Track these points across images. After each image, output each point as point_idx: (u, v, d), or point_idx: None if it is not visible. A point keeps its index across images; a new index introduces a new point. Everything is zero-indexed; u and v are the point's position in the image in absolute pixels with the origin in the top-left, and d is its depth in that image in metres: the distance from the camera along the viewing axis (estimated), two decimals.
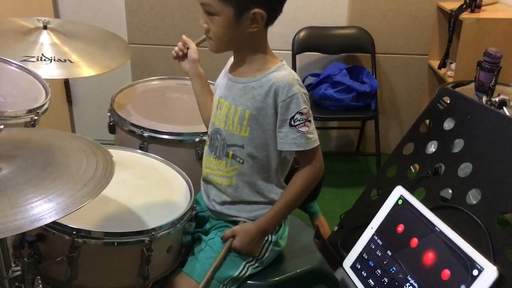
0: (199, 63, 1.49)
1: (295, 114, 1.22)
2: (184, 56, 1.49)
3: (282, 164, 1.34)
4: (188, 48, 1.47)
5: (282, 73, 1.24)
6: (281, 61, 1.29)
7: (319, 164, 1.29)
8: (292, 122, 1.22)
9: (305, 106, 1.23)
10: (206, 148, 1.43)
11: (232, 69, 1.34)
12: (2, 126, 0.94)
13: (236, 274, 1.33)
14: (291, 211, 1.35)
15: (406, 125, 3.14)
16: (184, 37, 1.49)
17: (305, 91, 1.25)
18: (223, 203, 1.38)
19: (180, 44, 1.48)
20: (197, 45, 1.48)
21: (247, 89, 1.27)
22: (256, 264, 1.37)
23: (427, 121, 1.17)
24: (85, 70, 1.78)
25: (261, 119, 1.26)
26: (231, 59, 1.36)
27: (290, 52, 2.83)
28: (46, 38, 1.84)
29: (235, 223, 1.38)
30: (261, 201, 1.35)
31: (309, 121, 1.24)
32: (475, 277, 0.85)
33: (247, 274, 1.35)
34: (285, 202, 1.31)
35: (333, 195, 2.68)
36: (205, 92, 1.51)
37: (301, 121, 1.22)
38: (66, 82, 3.12)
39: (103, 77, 3.09)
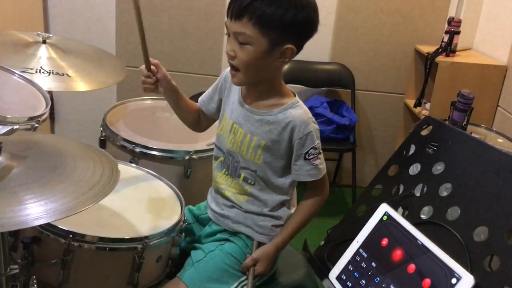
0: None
1: (310, 149, 1.31)
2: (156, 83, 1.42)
3: (291, 187, 1.41)
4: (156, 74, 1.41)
5: (298, 111, 1.31)
6: (294, 95, 1.36)
7: (327, 188, 1.40)
8: (307, 156, 1.31)
9: (318, 141, 1.32)
10: (216, 163, 1.47)
11: (247, 98, 1.37)
12: (17, 127, 0.98)
13: None
14: (300, 231, 1.41)
15: (381, 159, 3.27)
16: (145, 67, 1.40)
17: (317, 127, 1.34)
18: (232, 206, 1.43)
19: (146, 74, 1.40)
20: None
21: (263, 122, 1.33)
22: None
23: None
24: (81, 84, 1.84)
25: (275, 150, 1.34)
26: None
27: None
28: (44, 52, 1.90)
29: (236, 234, 1.43)
30: (268, 215, 1.41)
31: (321, 153, 1.34)
32: (453, 285, 0.93)
33: None
34: (298, 223, 1.39)
35: (309, 223, 2.75)
36: (182, 101, 1.49)
37: (315, 155, 1.31)
38: (50, 99, 3.14)
39: (88, 97, 3.15)
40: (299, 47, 1.27)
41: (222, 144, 1.43)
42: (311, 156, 1.31)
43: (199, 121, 1.56)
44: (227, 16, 1.25)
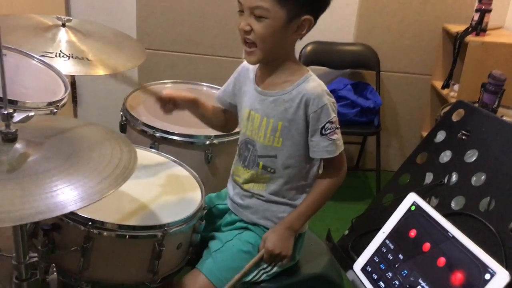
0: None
1: (326, 123, 1.26)
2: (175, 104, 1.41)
3: (313, 172, 1.37)
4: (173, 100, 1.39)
5: (311, 84, 1.27)
6: (307, 70, 1.32)
7: (345, 167, 1.35)
8: (323, 131, 1.27)
9: (334, 115, 1.28)
10: (235, 157, 1.44)
11: (259, 80, 1.35)
12: (32, 113, 0.96)
13: (249, 278, 1.35)
14: (315, 212, 1.36)
15: (406, 143, 3.19)
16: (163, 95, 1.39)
17: (333, 100, 1.29)
18: (251, 196, 1.40)
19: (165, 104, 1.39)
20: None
21: (278, 102, 1.29)
22: (273, 271, 1.38)
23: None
24: (101, 68, 1.81)
25: (293, 130, 1.30)
26: (250, 68, 1.38)
27: None
28: (64, 36, 1.87)
29: (255, 224, 1.40)
30: (289, 204, 1.38)
31: (338, 128, 1.29)
32: (487, 281, 0.88)
33: (260, 279, 1.37)
34: (311, 201, 1.34)
35: (331, 208, 2.69)
36: (204, 107, 1.46)
37: (331, 130, 1.27)
38: (73, 83, 3.15)
39: (110, 80, 3.14)
40: (316, 19, 1.24)
41: (240, 137, 1.41)
42: (328, 131, 1.27)
43: (226, 121, 1.53)
44: None
